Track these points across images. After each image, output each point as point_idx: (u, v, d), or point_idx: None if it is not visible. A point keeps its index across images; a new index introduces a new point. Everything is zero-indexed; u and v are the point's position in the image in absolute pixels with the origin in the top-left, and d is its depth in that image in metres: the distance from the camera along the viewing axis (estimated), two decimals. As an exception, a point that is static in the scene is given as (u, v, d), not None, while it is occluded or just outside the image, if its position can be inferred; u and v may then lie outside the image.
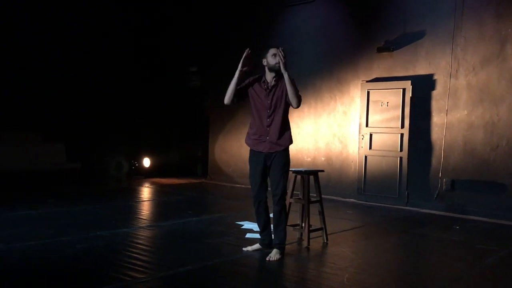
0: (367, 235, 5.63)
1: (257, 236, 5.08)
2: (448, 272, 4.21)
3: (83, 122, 9.67)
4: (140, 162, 11.01)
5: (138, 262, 4.08)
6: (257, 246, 4.55)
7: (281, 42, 9.42)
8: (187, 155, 11.52)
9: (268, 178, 4.41)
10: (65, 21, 9.38)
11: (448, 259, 4.67)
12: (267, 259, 4.24)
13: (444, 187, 7.20)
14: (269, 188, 4.42)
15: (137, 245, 4.68)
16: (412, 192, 7.55)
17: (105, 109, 10.05)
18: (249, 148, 4.49)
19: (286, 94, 4.27)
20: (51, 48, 9.32)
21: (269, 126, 4.31)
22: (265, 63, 4.34)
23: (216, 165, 10.63)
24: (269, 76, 4.34)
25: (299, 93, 4.29)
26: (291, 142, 4.42)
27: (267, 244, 4.50)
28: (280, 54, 4.17)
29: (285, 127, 4.35)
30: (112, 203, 7.30)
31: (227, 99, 4.32)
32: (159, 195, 8.57)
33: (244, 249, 4.53)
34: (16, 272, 3.80)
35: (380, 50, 7.85)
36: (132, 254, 4.33)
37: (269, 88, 4.31)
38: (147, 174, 10.86)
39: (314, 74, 8.84)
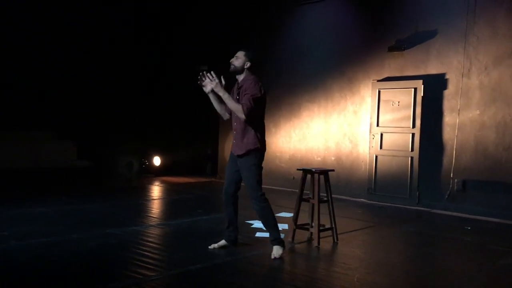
0: (378, 235, 5.60)
1: (268, 235, 5.09)
2: (459, 272, 4.18)
3: (93, 121, 9.73)
4: (150, 160, 11.06)
5: (149, 260, 4.10)
6: (223, 242, 4.54)
7: (291, 41, 9.45)
8: (197, 154, 11.54)
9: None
10: (76, 19, 9.44)
11: (460, 260, 4.64)
12: (272, 257, 4.27)
13: (455, 187, 7.14)
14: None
15: (148, 243, 4.71)
16: (423, 192, 7.49)
17: (115, 107, 10.10)
18: None
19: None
20: (63, 47, 9.39)
21: (235, 130, 4.39)
22: None
23: (225, 164, 10.60)
24: (239, 79, 4.42)
25: (242, 103, 4.18)
26: (254, 146, 4.27)
27: (232, 240, 4.54)
28: (209, 77, 4.28)
29: (248, 131, 4.28)
30: (123, 201, 7.34)
31: (222, 117, 4.57)
32: (169, 193, 8.61)
33: (210, 247, 4.51)
34: (28, 269, 3.84)
35: (391, 49, 7.80)
36: (143, 252, 4.35)
37: (237, 91, 4.37)
38: (157, 173, 10.91)
39: (325, 73, 8.81)
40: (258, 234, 5.17)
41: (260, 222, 5.66)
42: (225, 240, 4.54)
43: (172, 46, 11.17)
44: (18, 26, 8.91)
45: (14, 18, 8.89)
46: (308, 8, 9.13)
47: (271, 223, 4.36)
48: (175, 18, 11.02)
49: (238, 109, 4.20)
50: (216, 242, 4.56)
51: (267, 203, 4.33)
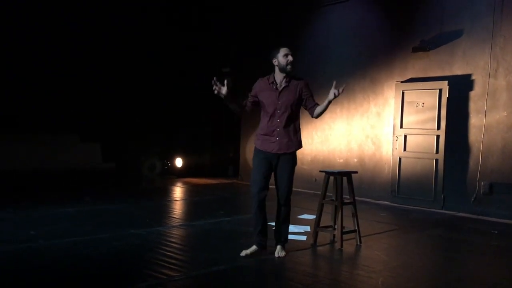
0: (401, 238, 5.52)
1: (295, 237, 5.05)
2: (486, 278, 4.09)
3: (118, 124, 9.88)
4: (172, 162, 11.17)
5: (172, 261, 4.14)
6: (254, 248, 4.38)
7: (313, 42, 9.41)
8: (219, 156, 11.61)
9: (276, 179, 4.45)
10: (105, 23, 9.59)
11: (486, 265, 4.54)
12: (276, 256, 4.33)
13: (482, 190, 6.99)
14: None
15: (171, 244, 4.74)
16: (448, 195, 7.36)
17: (139, 110, 10.24)
18: None
19: (298, 98, 4.31)
20: (88, 51, 9.56)
21: (279, 127, 4.29)
22: (275, 63, 4.29)
23: (247, 166, 10.64)
24: (279, 76, 4.32)
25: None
26: (300, 146, 4.41)
27: (264, 245, 4.43)
28: (339, 90, 4.26)
29: (295, 130, 4.35)
30: (146, 202, 7.43)
31: (239, 114, 4.46)
32: (191, 194, 8.67)
33: (242, 254, 4.32)
34: (54, 268, 3.91)
35: (416, 50, 7.69)
36: (166, 253, 4.39)
37: (279, 89, 4.30)
38: (179, 174, 11.00)
39: (347, 75, 8.73)
40: (290, 237, 5.03)
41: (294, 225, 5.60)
42: (256, 246, 4.40)
43: (197, 49, 11.25)
44: (46, 29, 9.09)
45: (42, 21, 9.08)
46: (330, 10, 9.07)
47: (288, 223, 4.51)
48: (204, 19, 11.09)
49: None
50: (241, 245, 4.52)
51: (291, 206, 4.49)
